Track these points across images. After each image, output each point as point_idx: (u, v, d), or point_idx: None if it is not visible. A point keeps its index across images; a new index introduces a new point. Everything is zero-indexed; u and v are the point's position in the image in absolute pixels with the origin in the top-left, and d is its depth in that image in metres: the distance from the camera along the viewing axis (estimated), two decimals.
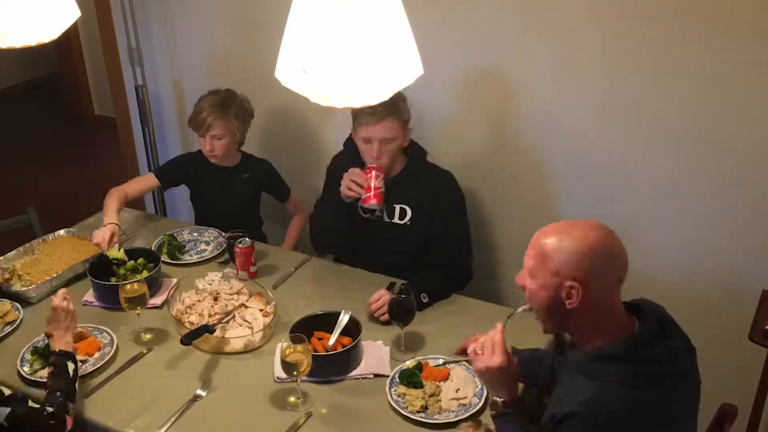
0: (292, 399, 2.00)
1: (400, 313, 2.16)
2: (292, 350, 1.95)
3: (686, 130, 2.45)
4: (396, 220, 2.57)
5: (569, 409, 1.54)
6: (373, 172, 2.41)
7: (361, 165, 2.49)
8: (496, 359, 1.70)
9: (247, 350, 2.21)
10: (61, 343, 2.00)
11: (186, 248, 2.77)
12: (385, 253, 2.58)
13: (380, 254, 2.58)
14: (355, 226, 2.60)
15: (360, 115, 2.42)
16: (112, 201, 2.74)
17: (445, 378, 2.05)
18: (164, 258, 2.66)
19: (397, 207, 2.56)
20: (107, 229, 2.59)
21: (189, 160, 3.02)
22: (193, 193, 3.09)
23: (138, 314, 2.25)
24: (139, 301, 2.23)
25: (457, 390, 1.99)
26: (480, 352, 1.73)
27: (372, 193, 2.41)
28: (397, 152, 2.49)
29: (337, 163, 2.68)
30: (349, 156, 2.57)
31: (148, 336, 2.27)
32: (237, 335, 2.22)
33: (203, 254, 2.72)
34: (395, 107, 2.38)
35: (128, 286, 2.24)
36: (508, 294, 2.96)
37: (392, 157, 2.47)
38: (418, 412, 1.93)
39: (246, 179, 2.94)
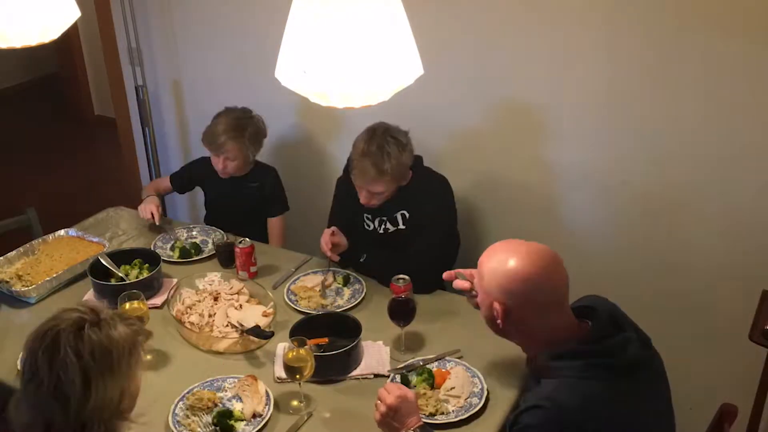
0: (295, 403, 2.00)
1: (400, 313, 2.16)
2: (294, 353, 1.95)
3: (689, 133, 2.45)
4: (400, 226, 2.59)
5: (530, 403, 1.60)
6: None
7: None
8: (393, 394, 1.77)
9: (248, 350, 2.21)
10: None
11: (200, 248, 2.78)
12: (401, 258, 2.57)
13: (395, 256, 2.57)
14: (363, 236, 2.63)
15: (353, 168, 2.45)
16: (149, 187, 3.03)
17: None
18: (173, 256, 2.68)
19: (398, 215, 2.58)
20: (149, 200, 2.86)
21: (200, 167, 3.03)
22: (205, 198, 3.14)
23: None
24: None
25: (452, 388, 2.00)
26: (378, 401, 1.80)
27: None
28: (398, 190, 2.51)
29: (340, 186, 2.71)
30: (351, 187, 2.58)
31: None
32: (236, 336, 2.22)
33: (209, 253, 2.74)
34: (385, 167, 2.36)
35: (128, 305, 2.16)
36: None
37: (386, 199, 2.50)
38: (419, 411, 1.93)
39: (253, 188, 2.94)
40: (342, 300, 2.44)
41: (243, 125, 2.81)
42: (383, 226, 2.62)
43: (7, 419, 1.53)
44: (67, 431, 1.47)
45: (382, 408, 1.78)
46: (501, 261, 1.67)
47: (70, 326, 1.47)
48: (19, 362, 2.13)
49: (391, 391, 1.79)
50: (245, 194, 2.95)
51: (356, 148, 2.44)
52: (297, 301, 2.42)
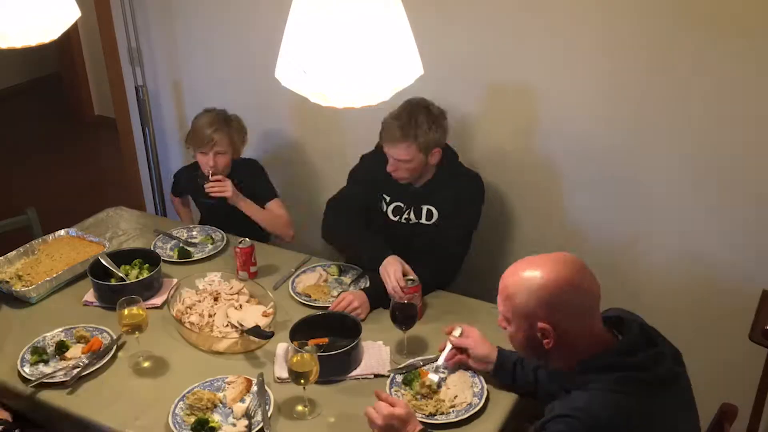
0: (299, 408, 1.99)
1: (402, 317, 2.15)
2: (299, 359, 1.94)
3: (689, 131, 2.45)
4: (423, 220, 2.58)
5: (559, 412, 1.56)
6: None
7: (385, 173, 2.52)
8: (399, 409, 1.75)
9: (248, 350, 2.21)
10: None
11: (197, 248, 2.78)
12: (410, 252, 2.58)
13: (406, 254, 2.58)
14: (381, 228, 2.62)
15: (382, 130, 2.46)
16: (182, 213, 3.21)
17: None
18: (173, 256, 2.68)
19: (425, 208, 2.57)
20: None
21: (182, 176, 3.07)
22: (195, 205, 3.15)
23: (137, 338, 2.16)
24: (138, 327, 2.14)
25: (455, 397, 1.99)
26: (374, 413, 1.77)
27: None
28: (425, 168, 2.49)
29: (365, 160, 2.69)
30: (377, 161, 2.57)
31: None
32: (236, 336, 2.22)
33: (209, 252, 2.74)
34: (413, 132, 2.38)
35: (126, 311, 2.14)
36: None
37: (411, 173, 2.48)
38: (418, 411, 1.93)
39: (238, 188, 2.90)
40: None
41: (227, 118, 2.83)
42: (404, 215, 2.59)
43: None
44: None
45: (376, 429, 1.78)
46: (532, 275, 1.58)
47: None
48: (19, 362, 2.13)
49: (379, 412, 1.76)
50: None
51: (390, 114, 2.46)
52: (314, 300, 2.42)
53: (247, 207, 2.82)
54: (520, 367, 1.98)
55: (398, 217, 2.61)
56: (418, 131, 2.39)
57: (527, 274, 1.60)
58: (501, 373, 2.00)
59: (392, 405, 1.77)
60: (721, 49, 2.29)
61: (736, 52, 2.28)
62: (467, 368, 2.06)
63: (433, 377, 2.03)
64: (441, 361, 2.05)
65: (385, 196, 2.62)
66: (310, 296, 2.44)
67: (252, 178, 2.94)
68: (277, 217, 2.88)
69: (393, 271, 2.30)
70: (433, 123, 2.42)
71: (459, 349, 2.06)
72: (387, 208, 2.62)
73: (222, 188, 2.76)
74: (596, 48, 2.49)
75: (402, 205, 2.60)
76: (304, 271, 2.57)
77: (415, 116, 2.40)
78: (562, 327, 1.57)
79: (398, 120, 2.41)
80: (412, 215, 2.59)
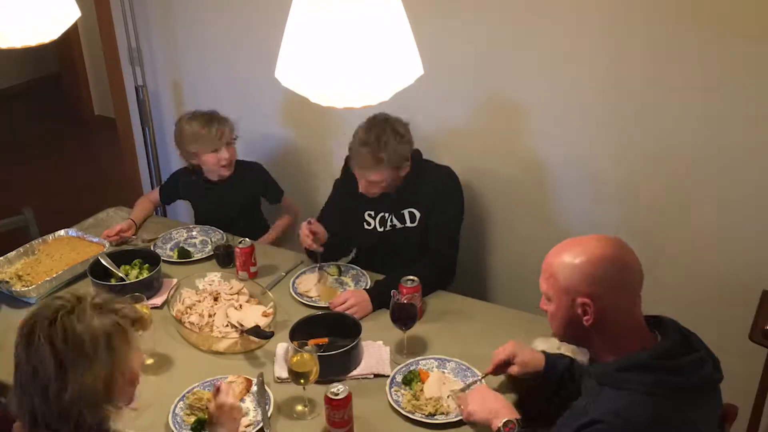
0: (299, 408, 1.99)
1: (402, 317, 2.15)
2: (299, 358, 1.94)
3: (687, 132, 2.45)
4: (408, 224, 2.58)
5: (595, 416, 1.52)
6: None
7: (361, 202, 2.57)
8: (468, 408, 1.82)
9: (248, 350, 2.21)
10: None
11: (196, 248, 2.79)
12: (399, 257, 2.58)
13: (395, 259, 2.58)
14: (369, 235, 2.63)
15: (351, 158, 2.49)
16: (138, 204, 2.99)
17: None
18: (173, 256, 2.69)
19: (406, 212, 2.57)
20: (124, 224, 2.80)
21: (180, 179, 3.03)
22: (194, 212, 3.13)
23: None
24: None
25: (444, 383, 2.00)
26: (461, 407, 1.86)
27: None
28: (397, 181, 2.50)
29: (338, 187, 2.72)
30: (349, 185, 2.58)
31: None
32: (236, 336, 2.22)
33: (209, 252, 2.73)
34: (382, 156, 2.38)
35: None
36: (497, 296, 2.98)
37: (385, 189, 2.50)
38: (418, 411, 1.94)
39: (239, 188, 2.92)
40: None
41: (218, 116, 2.82)
42: (389, 223, 2.60)
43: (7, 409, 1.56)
44: (51, 418, 1.46)
45: (465, 415, 1.85)
46: (577, 253, 1.58)
47: (48, 315, 1.47)
48: None
49: (466, 404, 1.85)
50: (232, 197, 2.93)
51: (356, 137, 2.46)
52: (314, 299, 2.43)
53: (272, 238, 2.97)
54: (568, 375, 1.93)
55: (383, 227, 2.62)
56: (388, 152, 2.39)
57: (570, 251, 1.60)
58: (549, 377, 1.95)
59: None
60: (721, 51, 2.29)
61: (736, 53, 2.28)
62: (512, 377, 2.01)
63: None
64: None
65: (368, 212, 2.63)
66: (312, 297, 2.45)
67: (261, 182, 2.97)
68: (292, 217, 3.02)
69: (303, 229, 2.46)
70: (401, 140, 2.43)
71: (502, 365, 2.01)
72: (374, 222, 2.63)
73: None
74: (596, 47, 2.49)
75: (385, 214, 2.61)
76: (304, 272, 2.57)
77: (383, 139, 2.39)
78: (603, 302, 1.55)
79: (367, 146, 2.40)
80: (396, 221, 2.60)
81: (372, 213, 2.63)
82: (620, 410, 1.50)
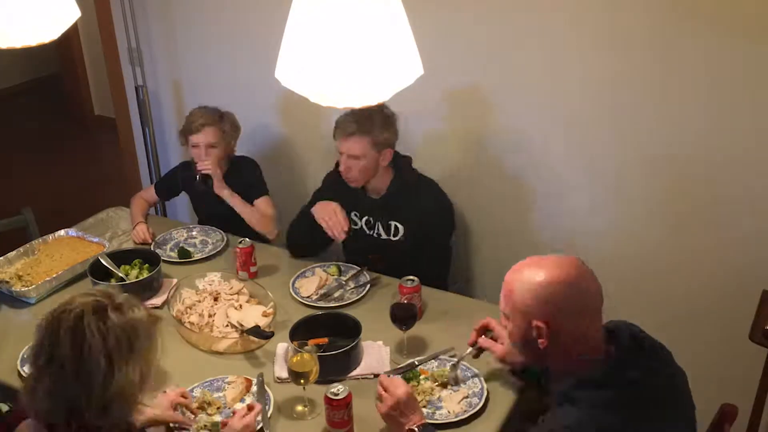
0: (299, 408, 1.99)
1: (402, 317, 2.15)
2: (299, 358, 1.94)
3: (687, 132, 2.45)
4: (391, 237, 2.61)
5: (548, 428, 1.57)
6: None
7: (350, 191, 2.59)
8: (401, 388, 1.78)
9: (248, 350, 2.21)
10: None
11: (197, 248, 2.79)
12: (389, 267, 2.58)
13: (379, 265, 2.59)
14: (357, 234, 2.64)
15: (336, 128, 2.52)
16: (136, 205, 2.96)
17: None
18: (172, 256, 2.69)
19: (392, 224, 2.60)
20: (140, 227, 2.81)
21: (179, 173, 3.04)
22: (192, 205, 3.13)
23: None
24: None
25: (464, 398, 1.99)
26: (383, 394, 1.81)
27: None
28: (376, 168, 2.53)
29: (327, 181, 2.74)
30: (340, 180, 2.61)
31: None
32: (236, 336, 2.22)
33: (209, 252, 2.74)
34: (366, 127, 2.44)
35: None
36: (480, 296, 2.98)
37: (364, 173, 2.52)
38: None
39: (235, 183, 2.89)
40: (348, 293, 2.46)
41: (219, 112, 2.84)
42: (376, 231, 2.63)
43: (23, 408, 1.53)
44: (90, 413, 1.45)
45: (390, 402, 1.78)
46: (533, 274, 1.59)
47: (92, 309, 1.46)
48: (18, 362, 2.13)
49: (399, 386, 1.79)
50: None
51: (344, 112, 2.51)
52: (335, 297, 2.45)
53: (231, 198, 2.81)
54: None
55: (371, 231, 2.65)
56: (372, 127, 2.45)
57: (528, 272, 1.61)
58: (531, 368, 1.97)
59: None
60: (722, 50, 2.29)
61: (738, 52, 2.28)
62: (501, 360, 2.02)
63: (451, 373, 2.02)
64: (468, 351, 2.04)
65: (355, 212, 2.65)
66: (330, 295, 2.45)
67: (246, 174, 2.95)
68: (261, 215, 2.84)
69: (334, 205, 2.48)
70: (386, 122, 2.48)
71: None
72: (360, 222, 2.65)
73: (207, 167, 2.75)
74: (597, 48, 2.49)
75: (371, 219, 2.63)
76: (304, 274, 2.57)
77: (368, 113, 2.44)
78: (557, 326, 1.57)
79: (352, 115, 2.47)
80: (382, 232, 2.62)
81: (357, 213, 2.64)
82: (574, 425, 1.54)
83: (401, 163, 2.60)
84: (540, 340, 1.59)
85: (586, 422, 1.54)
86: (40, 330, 1.49)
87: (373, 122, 2.45)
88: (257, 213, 2.84)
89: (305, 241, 2.66)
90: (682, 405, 1.66)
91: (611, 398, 1.54)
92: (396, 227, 2.60)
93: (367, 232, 2.65)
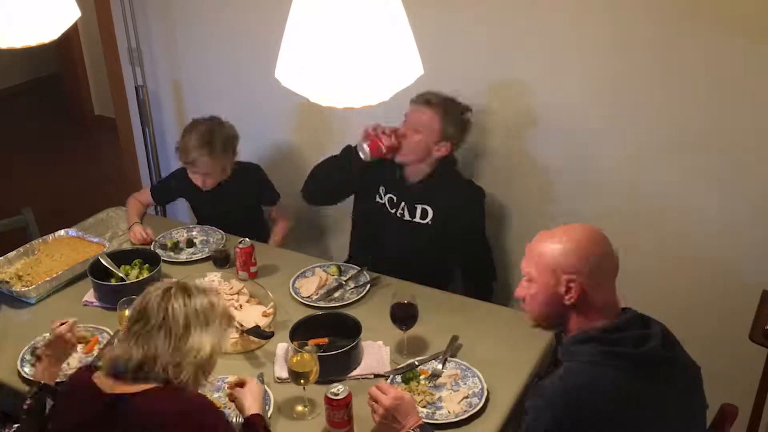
0: (299, 408, 1.99)
1: (402, 317, 2.15)
2: (299, 359, 1.94)
3: (688, 131, 2.45)
4: (417, 219, 2.59)
5: (545, 382, 1.63)
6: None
7: (380, 169, 2.59)
8: (388, 397, 1.78)
9: (248, 350, 2.21)
10: (48, 373, 1.95)
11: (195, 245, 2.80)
12: (396, 246, 2.60)
13: (391, 247, 2.59)
14: (378, 211, 2.65)
15: (419, 94, 2.51)
16: (131, 206, 2.96)
17: None
18: (172, 256, 2.70)
19: (419, 207, 2.59)
20: (135, 227, 2.81)
21: (179, 178, 3.00)
22: (191, 208, 3.13)
23: None
24: None
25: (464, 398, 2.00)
26: (374, 405, 1.81)
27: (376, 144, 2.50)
28: (428, 154, 2.54)
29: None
30: None
31: None
32: (236, 336, 2.22)
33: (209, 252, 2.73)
34: (445, 110, 2.49)
35: (127, 311, 2.07)
36: (497, 296, 2.98)
37: (415, 150, 2.52)
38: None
39: (238, 191, 2.91)
40: (348, 293, 2.46)
41: (212, 139, 2.75)
42: (399, 210, 2.63)
43: (98, 365, 1.79)
44: (165, 363, 1.63)
45: (381, 410, 1.78)
46: (564, 237, 1.66)
47: (179, 286, 1.73)
48: (18, 362, 2.13)
49: (387, 392, 1.79)
50: (230, 200, 2.92)
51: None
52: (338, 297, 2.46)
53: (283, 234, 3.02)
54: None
55: (394, 210, 2.64)
56: (449, 110, 2.49)
57: (557, 236, 1.68)
58: None
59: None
60: (724, 50, 2.29)
61: (738, 51, 2.28)
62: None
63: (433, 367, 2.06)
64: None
65: (381, 187, 2.66)
66: (335, 297, 2.46)
67: (256, 184, 2.96)
68: (290, 215, 3.04)
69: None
70: (462, 122, 2.54)
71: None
72: (384, 198, 2.66)
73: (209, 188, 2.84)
74: (599, 48, 2.49)
75: (394, 198, 2.62)
76: (304, 274, 2.57)
77: (452, 99, 2.51)
78: (587, 282, 1.62)
79: (439, 95, 2.50)
80: (406, 213, 2.60)
81: (384, 188, 2.65)
82: (563, 375, 1.60)
83: (448, 161, 2.60)
84: (568, 296, 1.63)
85: (578, 373, 1.59)
86: (133, 305, 1.74)
87: (453, 112, 2.50)
88: (287, 224, 3.05)
89: (326, 184, 2.69)
90: (690, 392, 1.69)
91: (605, 354, 1.58)
92: (424, 210, 2.59)
93: (389, 210, 2.64)
